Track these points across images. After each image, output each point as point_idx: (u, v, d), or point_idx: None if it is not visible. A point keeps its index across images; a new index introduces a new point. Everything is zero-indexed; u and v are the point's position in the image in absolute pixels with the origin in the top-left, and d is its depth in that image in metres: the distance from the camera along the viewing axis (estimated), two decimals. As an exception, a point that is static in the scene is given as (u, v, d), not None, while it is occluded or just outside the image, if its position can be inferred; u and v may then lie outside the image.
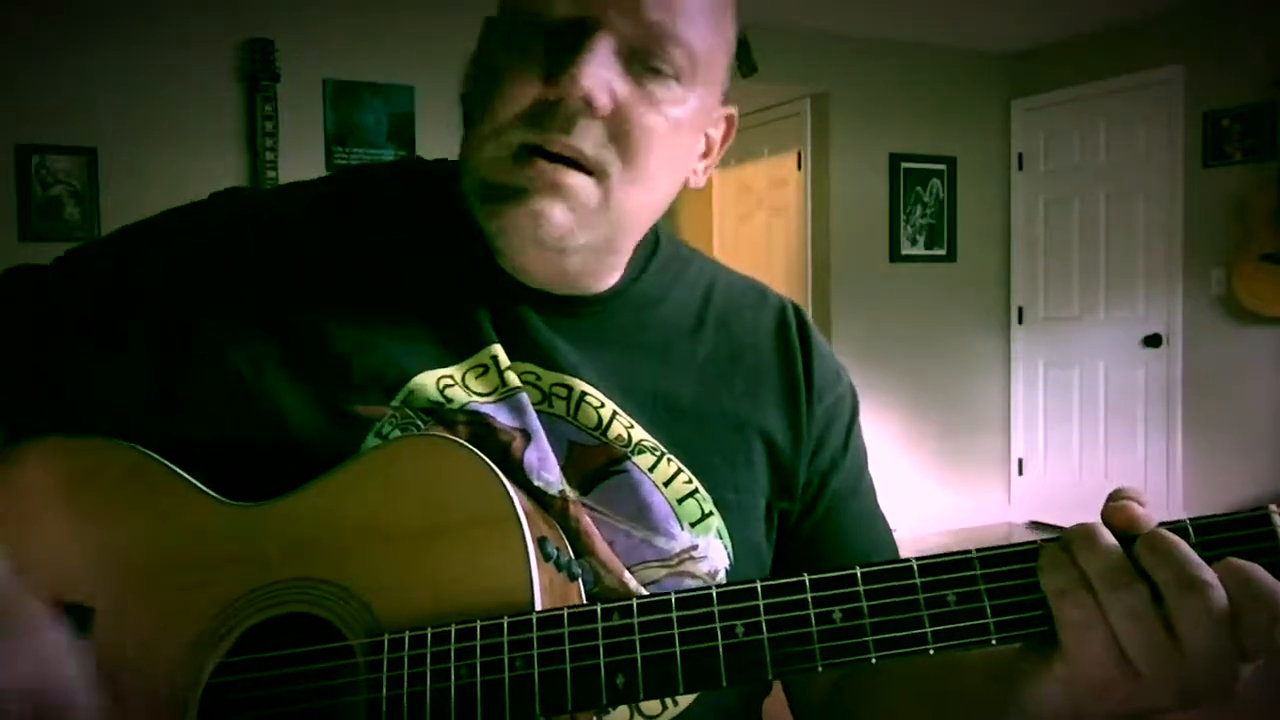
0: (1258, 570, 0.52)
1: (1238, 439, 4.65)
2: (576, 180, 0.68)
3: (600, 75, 0.66)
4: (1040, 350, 5.58)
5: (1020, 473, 5.69)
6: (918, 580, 0.56)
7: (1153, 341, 4.98)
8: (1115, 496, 0.56)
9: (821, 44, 5.08)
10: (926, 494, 5.31)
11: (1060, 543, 0.55)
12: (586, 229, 0.70)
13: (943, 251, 5.47)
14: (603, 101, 0.67)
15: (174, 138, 3.88)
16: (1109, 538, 0.54)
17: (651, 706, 0.70)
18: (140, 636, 0.63)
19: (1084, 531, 0.54)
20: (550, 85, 0.67)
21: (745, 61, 4.58)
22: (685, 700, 0.71)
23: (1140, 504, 0.55)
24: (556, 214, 0.68)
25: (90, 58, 3.75)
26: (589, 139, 0.68)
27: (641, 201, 0.73)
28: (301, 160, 4.01)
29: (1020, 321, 5.66)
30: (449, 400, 0.71)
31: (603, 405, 0.74)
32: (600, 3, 0.67)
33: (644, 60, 0.69)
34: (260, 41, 3.95)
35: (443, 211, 0.77)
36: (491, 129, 0.69)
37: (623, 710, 0.69)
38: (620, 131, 0.68)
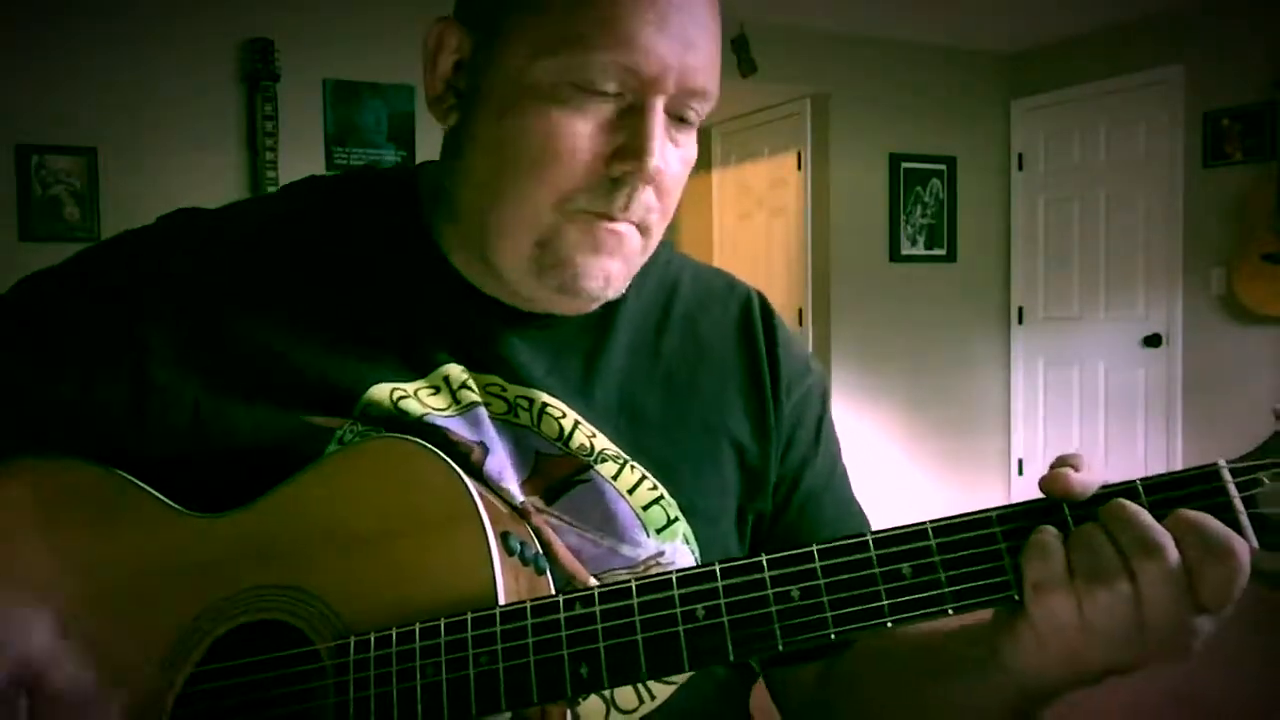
0: (1211, 522, 0.53)
1: (1238, 439, 4.59)
2: (631, 232, 0.70)
3: (662, 149, 0.67)
4: (1040, 350, 5.58)
5: (1020, 473, 5.68)
6: (873, 554, 0.57)
7: (1153, 341, 4.97)
8: (1055, 464, 0.57)
9: (821, 44, 5.08)
10: (926, 494, 5.30)
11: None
12: (630, 273, 0.73)
13: (943, 251, 5.47)
14: (661, 176, 0.68)
15: (174, 138, 3.88)
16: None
17: (628, 700, 0.70)
18: (111, 649, 0.64)
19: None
20: (619, 162, 0.66)
21: (745, 61, 4.58)
22: (663, 694, 0.71)
23: (1077, 469, 0.56)
24: (616, 269, 0.70)
25: (90, 58, 3.75)
26: (643, 207, 0.69)
27: (663, 230, 0.74)
28: (301, 160, 4.00)
29: (1020, 321, 5.65)
30: (404, 413, 0.70)
31: (564, 416, 0.73)
32: (659, 77, 0.66)
33: (679, 117, 0.69)
34: (260, 41, 3.95)
35: (400, 221, 0.77)
36: (549, 197, 0.67)
37: (599, 705, 0.69)
38: (662, 190, 0.70)
